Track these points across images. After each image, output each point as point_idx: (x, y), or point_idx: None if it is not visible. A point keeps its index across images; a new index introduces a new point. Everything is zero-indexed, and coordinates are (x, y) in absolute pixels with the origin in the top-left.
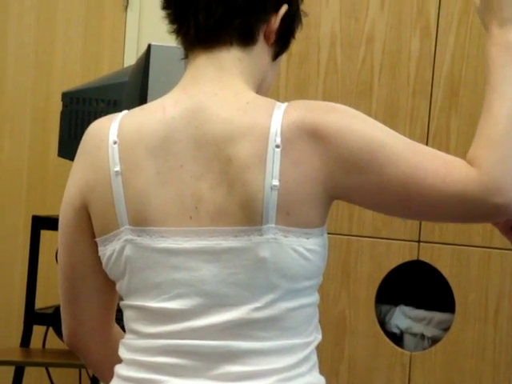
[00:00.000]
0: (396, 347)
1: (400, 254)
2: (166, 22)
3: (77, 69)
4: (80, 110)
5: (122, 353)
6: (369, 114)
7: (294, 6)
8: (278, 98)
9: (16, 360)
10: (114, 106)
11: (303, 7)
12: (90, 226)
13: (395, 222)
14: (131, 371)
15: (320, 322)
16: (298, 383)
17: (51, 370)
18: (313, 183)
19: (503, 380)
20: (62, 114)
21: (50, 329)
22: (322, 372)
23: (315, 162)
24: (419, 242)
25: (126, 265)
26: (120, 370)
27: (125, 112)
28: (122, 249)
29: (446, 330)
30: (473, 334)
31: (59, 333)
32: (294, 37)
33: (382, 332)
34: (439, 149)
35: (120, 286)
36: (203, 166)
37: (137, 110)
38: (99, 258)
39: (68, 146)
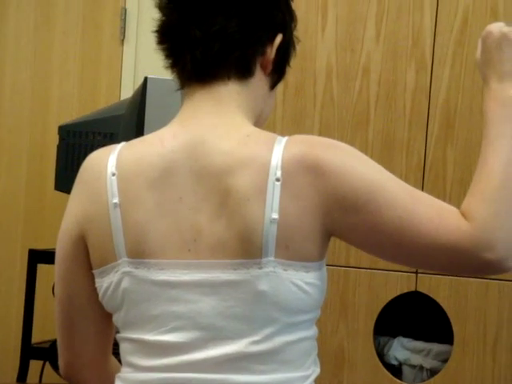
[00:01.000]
0: (395, 379)
1: (398, 285)
2: (162, 56)
3: (73, 102)
4: (77, 143)
5: None
6: (365, 145)
7: (288, 34)
8: (274, 129)
9: None
10: (111, 139)
11: (296, 33)
12: (87, 258)
13: None
14: None
15: (318, 353)
16: None
17: None
18: (311, 218)
19: None
20: (59, 147)
21: (47, 363)
22: None
23: (314, 198)
24: (417, 273)
25: (124, 297)
26: None
27: (123, 144)
28: (120, 281)
29: (445, 361)
30: (471, 365)
31: (56, 367)
32: (289, 64)
33: (380, 364)
34: (436, 179)
35: (117, 319)
36: (202, 198)
37: (135, 142)
38: (96, 289)
39: (65, 180)
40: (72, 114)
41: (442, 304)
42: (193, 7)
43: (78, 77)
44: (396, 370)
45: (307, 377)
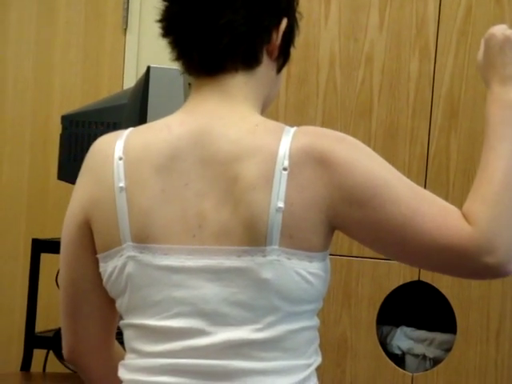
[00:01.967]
0: (398, 368)
1: (401, 274)
2: (166, 46)
3: (76, 92)
4: (79, 133)
5: (122, 374)
6: (368, 134)
7: (292, 15)
8: (277, 118)
9: None
10: (114, 129)
11: (299, 10)
12: (92, 242)
13: None
14: None
15: (321, 343)
16: None
17: None
18: (316, 209)
19: None
20: (62, 136)
21: (51, 352)
22: None
23: (320, 189)
24: None
25: (127, 282)
26: None
27: (130, 129)
28: (124, 265)
29: (448, 350)
30: (475, 354)
31: (60, 356)
32: (294, 45)
33: (383, 353)
34: (439, 169)
35: (120, 304)
36: (209, 184)
37: (143, 128)
38: (100, 274)
39: (68, 169)
40: (75, 104)
41: (445, 293)
42: None
43: (81, 66)
44: (399, 360)
45: (309, 365)
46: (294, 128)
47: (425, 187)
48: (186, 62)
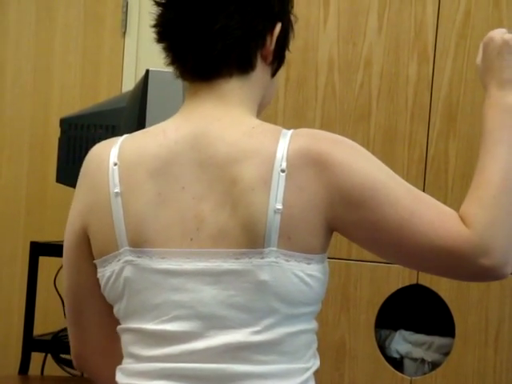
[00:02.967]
0: (396, 372)
1: (399, 278)
2: (163, 54)
3: (75, 95)
4: (78, 136)
5: (120, 378)
6: (367, 138)
7: (286, 19)
8: (275, 122)
9: None
10: (113, 132)
11: (294, 12)
12: (90, 249)
13: None
14: None
15: (319, 346)
16: None
17: None
18: (314, 211)
19: None
20: (60, 140)
21: (49, 356)
22: None
23: (318, 191)
24: None
25: (125, 286)
26: None
27: (126, 136)
28: (121, 270)
29: (447, 354)
30: (473, 358)
31: (58, 360)
32: (289, 49)
33: (381, 357)
34: (437, 173)
35: (118, 310)
36: (206, 187)
37: (138, 134)
38: (98, 281)
39: (66, 172)
40: (73, 107)
41: (443, 297)
42: (192, 4)
43: (80, 69)
44: (397, 363)
45: (307, 369)
46: (291, 130)
47: (423, 191)
48: (180, 67)
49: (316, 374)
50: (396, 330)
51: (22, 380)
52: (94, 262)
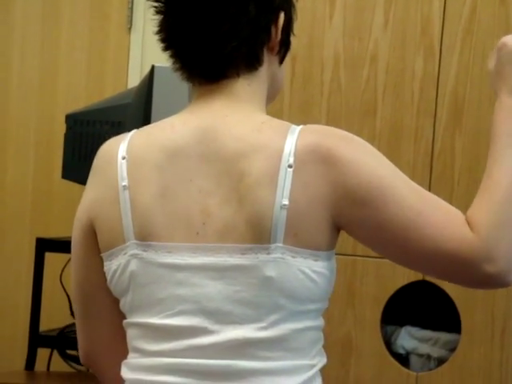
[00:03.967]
0: (402, 368)
1: (405, 274)
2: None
3: (81, 91)
4: (84, 132)
5: (125, 373)
6: (373, 133)
7: (288, 7)
8: (282, 118)
9: (20, 383)
10: (118, 128)
11: None
12: (96, 243)
13: None
14: None
15: (325, 343)
16: None
17: None
18: (320, 207)
19: None
20: (66, 136)
21: (55, 352)
22: None
23: (324, 187)
24: None
25: (130, 280)
26: None
27: (134, 131)
28: (127, 263)
29: (453, 350)
30: (479, 354)
31: (64, 355)
32: (293, 33)
33: (387, 353)
34: (444, 168)
35: (123, 303)
36: (213, 181)
37: (146, 128)
38: (104, 275)
39: (72, 168)
40: (79, 103)
41: (449, 293)
42: (195, 9)
43: (86, 66)
44: (403, 359)
45: (313, 365)
46: (300, 126)
47: (429, 186)
48: (187, 71)
49: (322, 370)
50: (402, 325)
51: (28, 376)
52: (101, 255)
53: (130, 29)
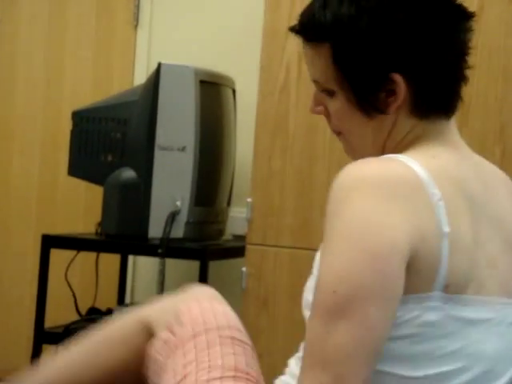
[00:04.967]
0: None
1: None
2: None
3: (87, 88)
4: (90, 129)
5: None
6: None
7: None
8: (289, 94)
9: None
10: (124, 125)
11: None
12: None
13: None
14: None
15: None
16: None
17: None
18: None
19: None
20: (72, 132)
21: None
22: None
23: None
24: None
25: (421, 329)
26: None
27: (408, 158)
28: (423, 313)
29: None
30: None
31: None
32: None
33: None
34: None
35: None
36: (491, 226)
37: (428, 159)
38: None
39: (78, 165)
40: (85, 100)
41: None
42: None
43: (92, 62)
44: None
45: None
46: None
47: None
48: (434, 112)
49: None
50: None
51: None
52: (402, 295)
53: (136, 26)
